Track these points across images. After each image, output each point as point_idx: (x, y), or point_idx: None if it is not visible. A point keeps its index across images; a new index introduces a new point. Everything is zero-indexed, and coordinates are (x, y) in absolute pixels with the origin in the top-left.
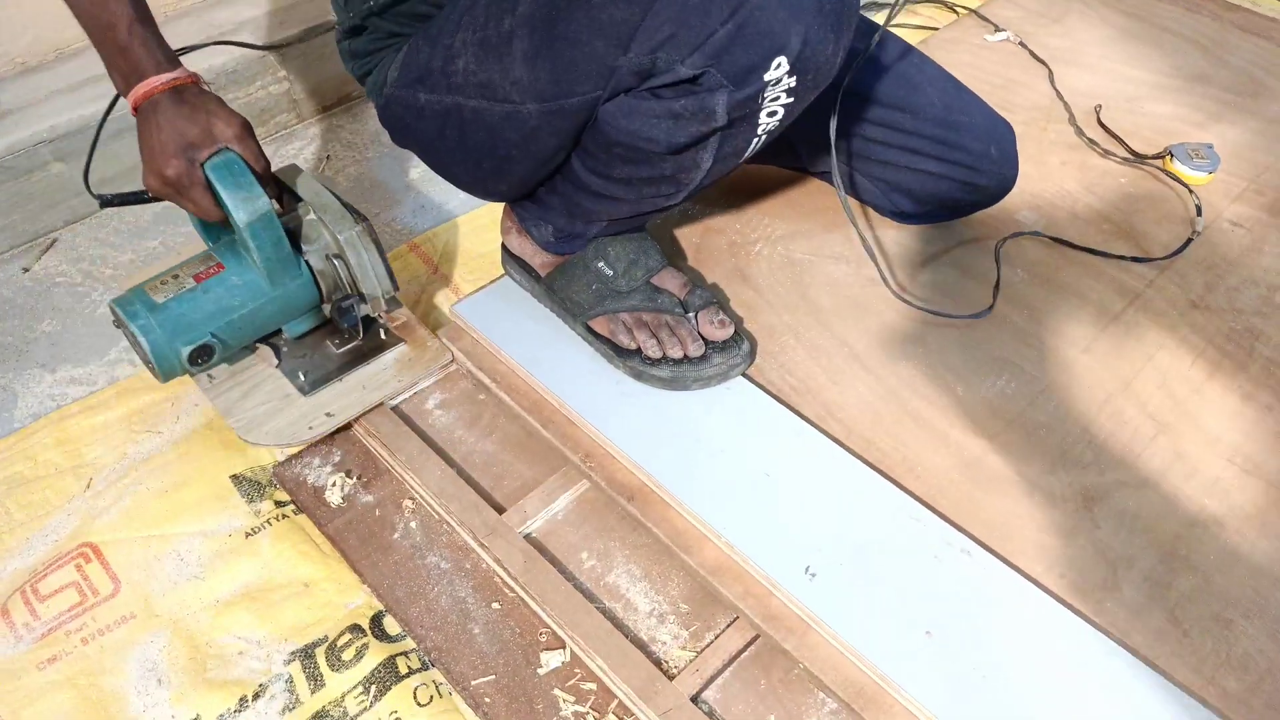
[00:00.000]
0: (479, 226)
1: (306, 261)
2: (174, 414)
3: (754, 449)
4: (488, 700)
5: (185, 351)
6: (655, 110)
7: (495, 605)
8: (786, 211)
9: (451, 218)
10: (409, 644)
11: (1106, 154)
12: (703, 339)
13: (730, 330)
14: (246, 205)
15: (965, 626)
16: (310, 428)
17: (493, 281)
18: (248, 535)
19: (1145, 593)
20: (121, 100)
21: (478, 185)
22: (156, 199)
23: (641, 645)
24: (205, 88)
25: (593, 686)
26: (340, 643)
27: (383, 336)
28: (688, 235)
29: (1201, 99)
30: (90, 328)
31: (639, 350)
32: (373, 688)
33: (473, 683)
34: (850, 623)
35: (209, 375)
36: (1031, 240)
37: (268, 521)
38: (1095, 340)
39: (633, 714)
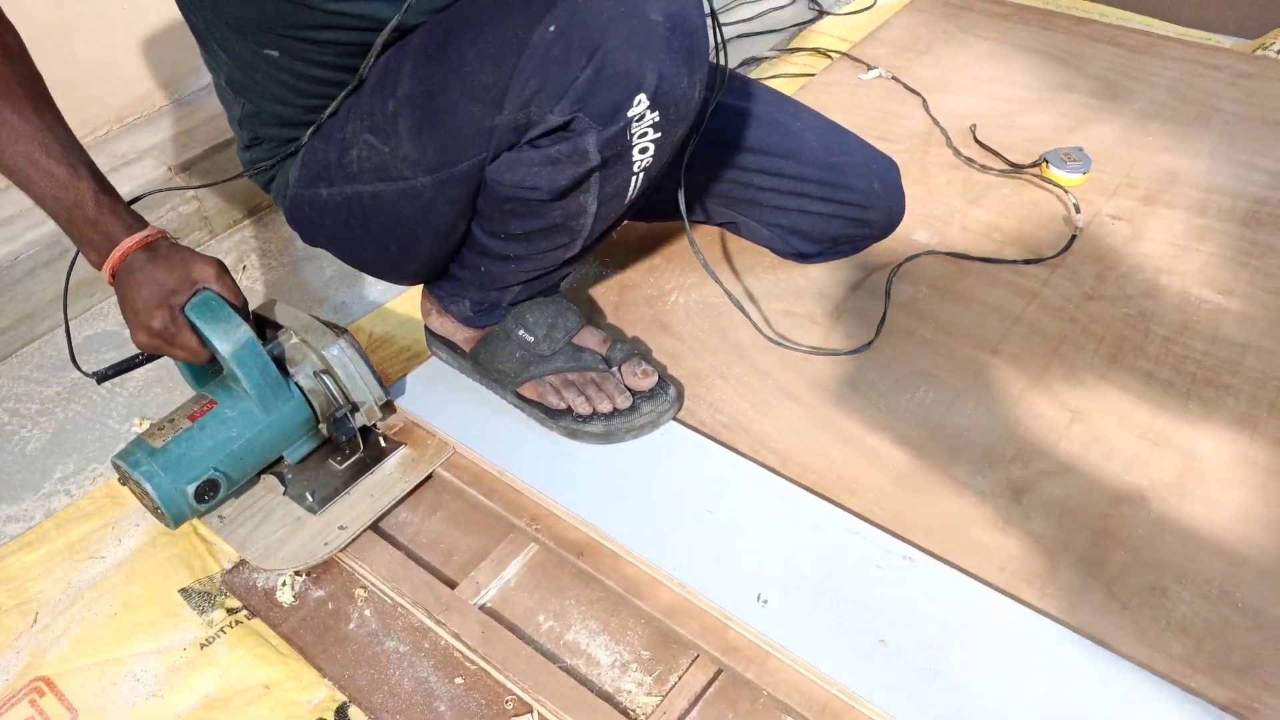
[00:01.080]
0: (401, 314)
1: (296, 383)
2: (115, 537)
3: (693, 489)
4: None
5: (191, 490)
6: (535, 160)
7: (458, 680)
8: (693, 262)
9: (375, 307)
10: None
11: (985, 169)
12: (629, 390)
13: (654, 379)
14: (228, 336)
15: (917, 630)
16: (325, 544)
17: (420, 364)
18: (202, 646)
19: (1082, 574)
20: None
21: (390, 270)
22: (148, 358)
23: (607, 697)
24: (173, 240)
25: None
26: None
27: (382, 444)
28: (605, 295)
29: (1069, 107)
30: (21, 465)
31: (569, 409)
32: None
33: None
34: (806, 643)
35: (219, 515)
36: (930, 258)
37: (221, 630)
38: (1002, 341)
39: None
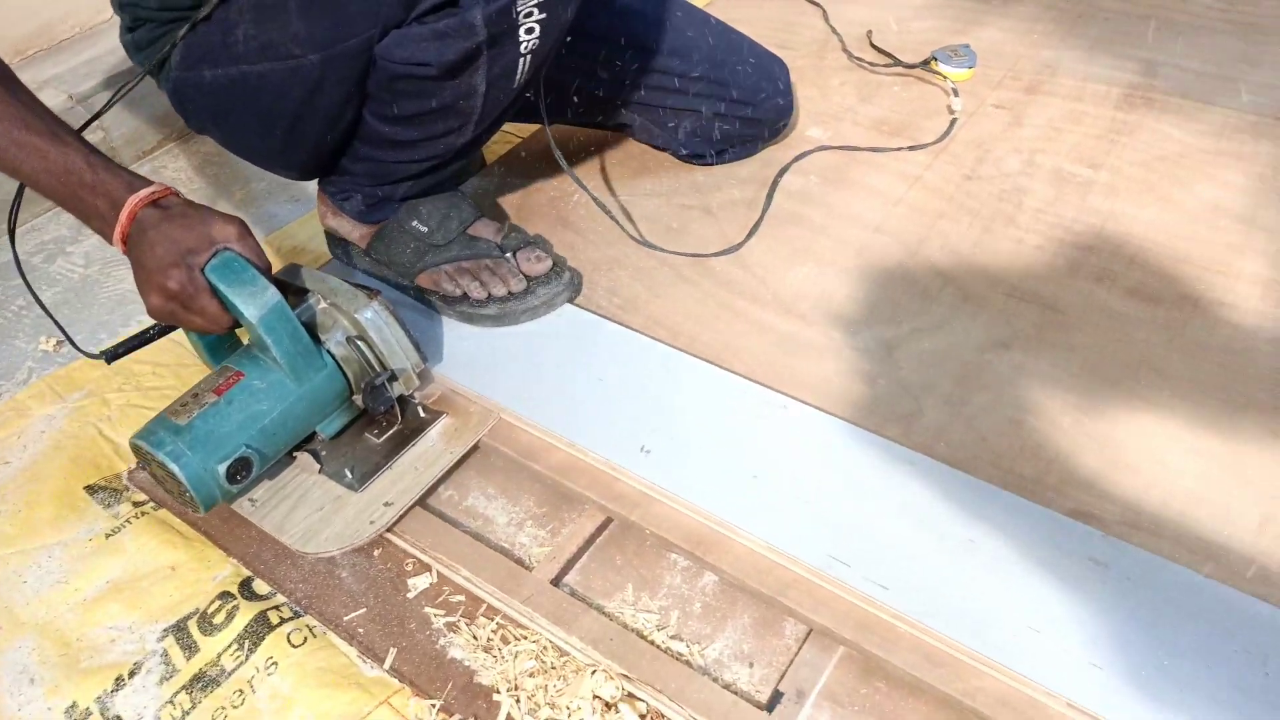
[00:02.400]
0: (312, 231)
1: (328, 351)
2: (20, 445)
3: (587, 362)
4: (361, 630)
5: (222, 469)
6: (423, 35)
7: (364, 550)
8: (599, 164)
9: (286, 224)
10: (279, 599)
11: (876, 68)
12: (524, 275)
13: (548, 264)
14: (256, 300)
15: (788, 466)
16: (371, 522)
17: (320, 267)
18: (108, 536)
19: (946, 413)
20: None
21: (279, 158)
22: (161, 332)
23: (503, 551)
24: (184, 197)
25: (461, 598)
26: (210, 610)
27: (422, 414)
28: (509, 199)
29: (959, 11)
30: None
31: (465, 295)
32: (246, 642)
33: (344, 619)
34: (684, 484)
35: (250, 499)
36: (821, 153)
37: (127, 521)
38: (885, 220)
39: (500, 611)
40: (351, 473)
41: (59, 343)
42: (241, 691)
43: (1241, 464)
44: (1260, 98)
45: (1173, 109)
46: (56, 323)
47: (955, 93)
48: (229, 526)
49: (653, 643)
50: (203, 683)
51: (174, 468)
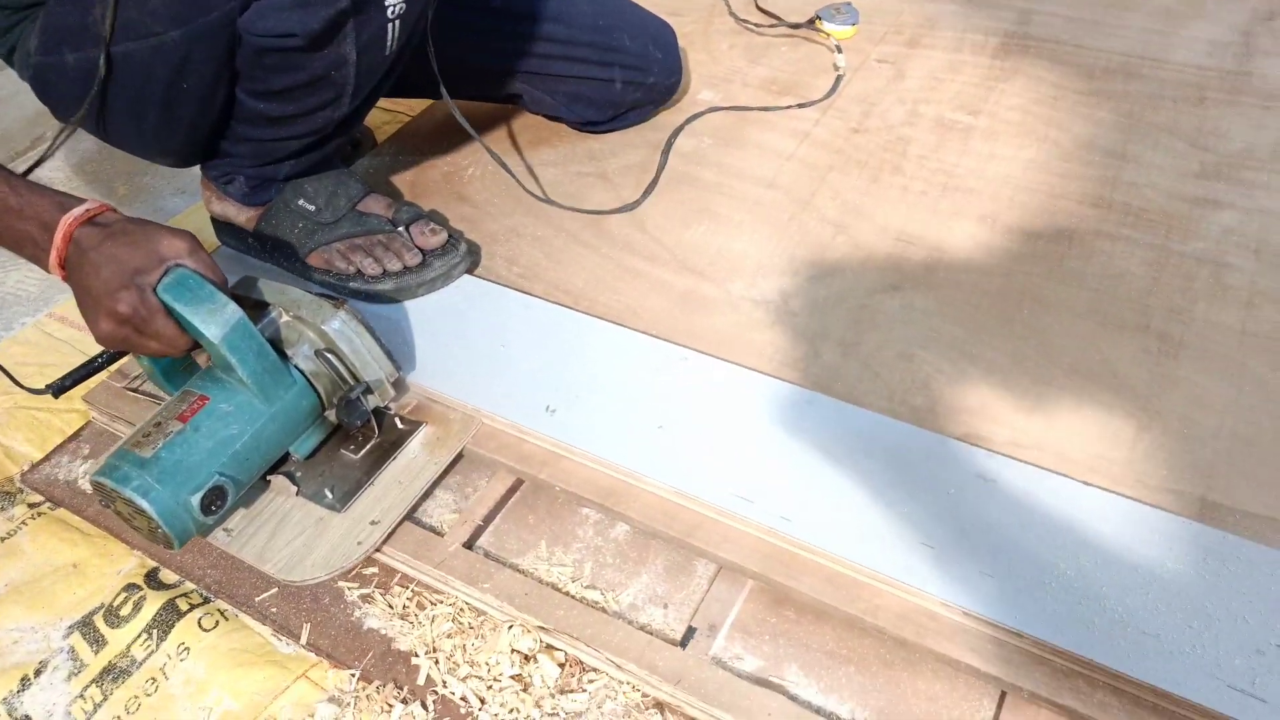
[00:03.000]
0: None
1: (296, 367)
2: None
3: (488, 330)
4: (274, 610)
5: (195, 500)
6: (284, 4)
7: None
8: (493, 136)
9: (174, 215)
10: (188, 586)
11: (762, 29)
12: (419, 249)
13: (444, 236)
14: (216, 318)
15: (691, 415)
16: (359, 543)
17: (210, 254)
18: (3, 540)
19: (840, 353)
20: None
21: (153, 143)
22: (111, 359)
23: (415, 522)
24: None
25: (374, 570)
26: (116, 604)
27: (400, 425)
28: (403, 177)
29: None
30: None
31: (359, 272)
32: (155, 631)
33: (256, 599)
34: (591, 439)
35: (225, 529)
36: (713, 114)
37: (23, 523)
38: (777, 176)
39: (414, 579)
40: (332, 493)
41: None
42: (154, 679)
43: (1118, 378)
44: (1129, 39)
45: (1047, 54)
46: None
47: (839, 50)
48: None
49: (568, 594)
50: (113, 674)
51: (143, 503)
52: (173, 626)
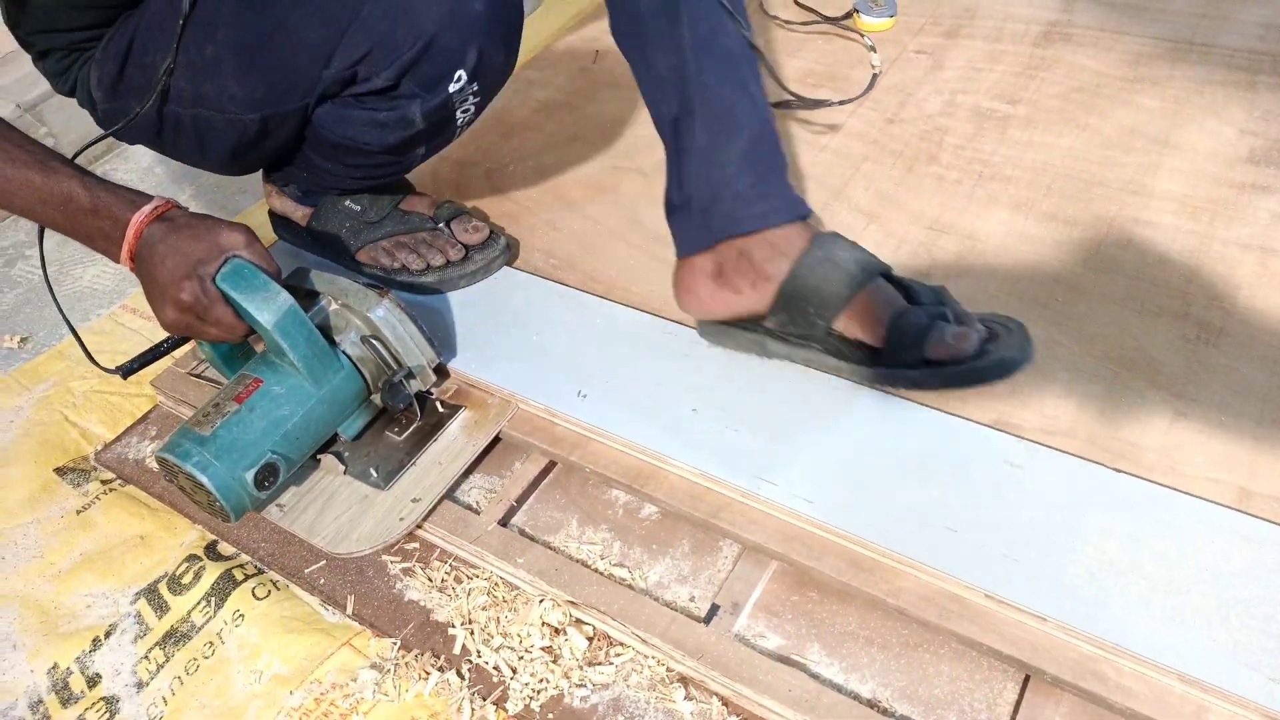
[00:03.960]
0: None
1: (344, 353)
2: None
3: (526, 320)
4: (322, 581)
5: (250, 476)
6: (362, 119)
7: None
8: (530, 134)
9: (239, 211)
10: (244, 558)
11: (792, 25)
12: (462, 245)
13: (485, 232)
14: (269, 306)
15: (718, 399)
16: (401, 519)
17: (269, 248)
18: (79, 513)
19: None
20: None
21: (217, 170)
22: (175, 344)
23: (454, 500)
24: (186, 209)
25: (415, 545)
26: (179, 572)
27: (440, 409)
28: (446, 173)
29: None
30: None
31: (404, 267)
32: (213, 599)
33: (305, 571)
34: (620, 423)
35: (278, 504)
36: None
37: (96, 498)
38: (810, 167)
39: (452, 554)
40: (376, 471)
41: (22, 340)
42: (211, 644)
43: (1153, 367)
44: (1176, 25)
45: (1089, 42)
46: (79, 340)
47: (873, 49)
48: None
49: (597, 571)
50: (174, 638)
51: (202, 478)
52: (229, 595)
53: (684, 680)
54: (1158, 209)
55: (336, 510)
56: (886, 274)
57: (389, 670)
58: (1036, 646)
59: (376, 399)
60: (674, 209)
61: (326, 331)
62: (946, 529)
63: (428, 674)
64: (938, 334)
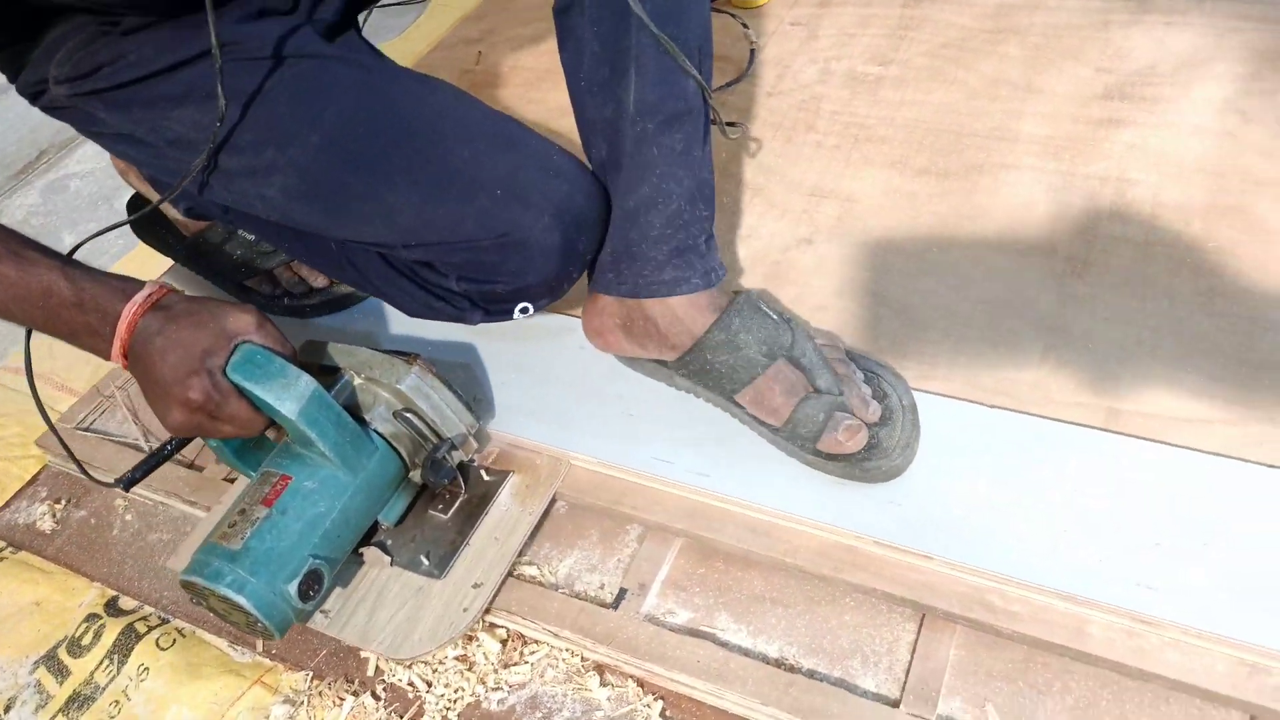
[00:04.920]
0: None
1: (375, 432)
2: None
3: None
4: None
5: (293, 589)
6: (414, 294)
7: None
8: None
9: None
10: (146, 610)
11: None
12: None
13: None
14: (290, 393)
15: (609, 389)
16: (465, 609)
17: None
18: None
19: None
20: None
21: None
22: (179, 445)
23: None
24: (182, 293)
25: None
26: (78, 634)
27: (486, 478)
28: None
29: None
30: None
31: (287, 291)
32: (115, 656)
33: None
34: (525, 426)
35: (322, 611)
36: None
37: None
38: None
39: None
40: (428, 558)
41: None
42: (117, 702)
43: (1025, 304)
44: None
45: None
46: (71, 454)
47: (745, 25)
48: (89, 554)
49: (507, 573)
50: (78, 702)
51: (240, 599)
52: (132, 650)
53: (599, 668)
54: (1023, 152)
55: (390, 609)
56: (789, 354)
57: (302, 702)
58: (926, 585)
59: (416, 476)
60: None
61: (354, 410)
62: (834, 484)
63: (342, 699)
64: (831, 429)
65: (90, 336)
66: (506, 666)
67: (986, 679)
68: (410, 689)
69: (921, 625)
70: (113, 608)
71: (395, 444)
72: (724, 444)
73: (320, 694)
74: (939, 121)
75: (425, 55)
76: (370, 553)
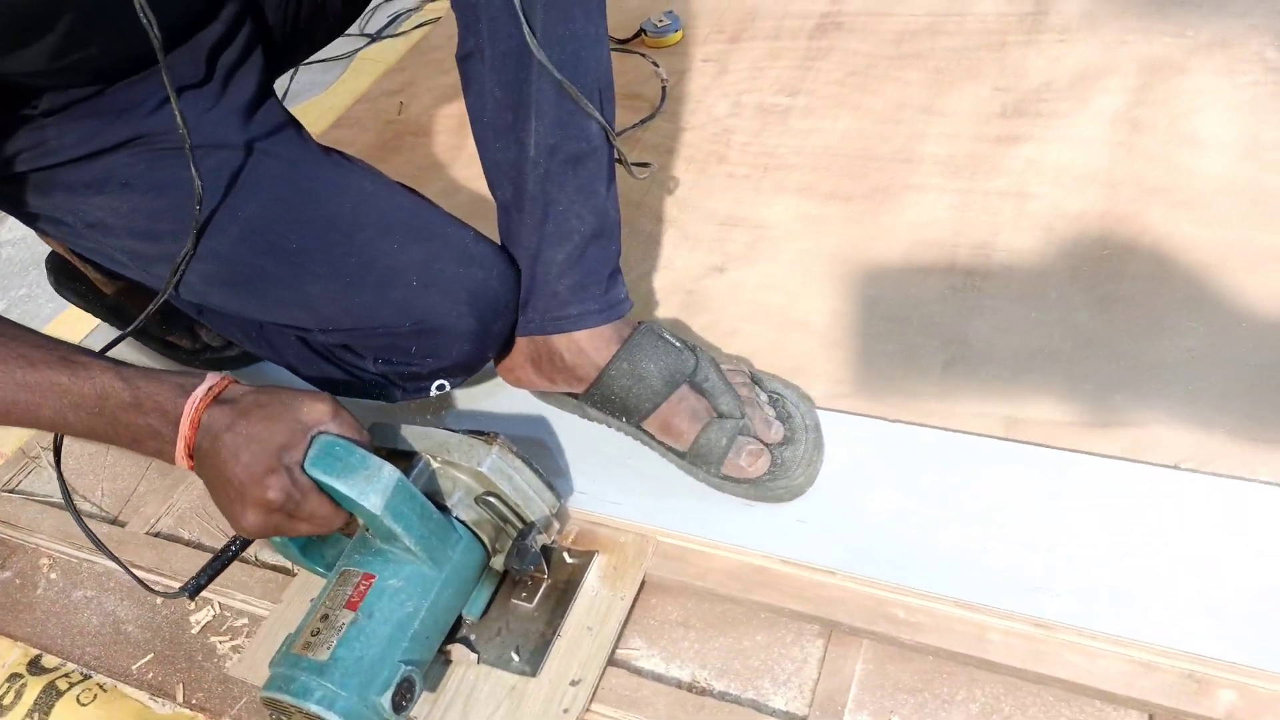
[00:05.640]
0: None
1: (458, 519)
2: None
3: None
4: (150, 675)
5: (386, 701)
6: (332, 374)
7: (146, 603)
8: None
9: None
10: (69, 666)
11: None
12: None
13: None
14: (373, 486)
15: (526, 429)
16: (565, 710)
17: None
18: None
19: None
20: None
21: None
22: (244, 546)
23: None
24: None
25: (244, 621)
26: (0, 695)
27: (569, 560)
28: None
29: None
30: None
31: (207, 345)
32: (36, 715)
33: (133, 667)
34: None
35: (410, 719)
36: None
37: None
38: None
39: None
40: (518, 654)
41: None
42: None
43: (927, 319)
44: (933, 1)
45: (859, 27)
46: (125, 567)
47: (656, 64)
48: (13, 615)
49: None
50: None
51: (330, 716)
52: (53, 708)
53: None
54: (926, 172)
55: (483, 712)
56: (691, 380)
57: None
58: (831, 601)
59: (497, 564)
60: None
61: (434, 497)
62: (743, 505)
63: None
64: (734, 454)
65: (152, 439)
66: None
67: (893, 691)
68: None
69: (829, 641)
70: (35, 666)
71: (478, 531)
72: (638, 472)
73: None
74: (845, 147)
75: (350, 108)
76: (457, 650)
